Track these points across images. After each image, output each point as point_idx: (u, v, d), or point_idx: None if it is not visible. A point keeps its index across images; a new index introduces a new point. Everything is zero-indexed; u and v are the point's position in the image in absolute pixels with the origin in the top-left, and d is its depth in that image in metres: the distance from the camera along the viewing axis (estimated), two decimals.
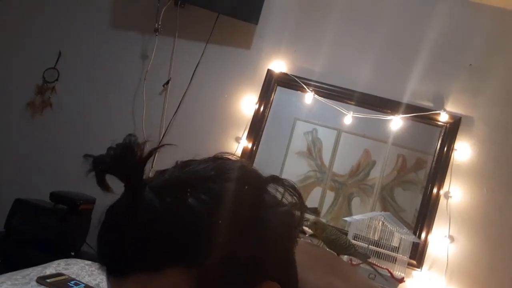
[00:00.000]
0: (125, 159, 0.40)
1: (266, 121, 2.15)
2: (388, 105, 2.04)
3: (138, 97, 2.27)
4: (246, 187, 0.39)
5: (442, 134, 2.00)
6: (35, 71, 2.34)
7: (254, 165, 0.45)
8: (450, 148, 1.97)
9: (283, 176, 0.44)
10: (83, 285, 1.05)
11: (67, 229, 1.95)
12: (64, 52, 2.36)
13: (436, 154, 1.99)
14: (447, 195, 1.94)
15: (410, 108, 2.01)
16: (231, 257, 0.36)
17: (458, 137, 1.98)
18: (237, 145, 2.15)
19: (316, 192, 2.09)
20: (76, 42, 2.38)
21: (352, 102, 2.07)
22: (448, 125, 2.00)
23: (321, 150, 2.14)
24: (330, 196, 2.08)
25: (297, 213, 0.41)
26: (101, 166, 0.41)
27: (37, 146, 2.31)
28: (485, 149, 1.97)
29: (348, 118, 2.06)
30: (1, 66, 2.42)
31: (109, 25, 2.37)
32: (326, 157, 2.12)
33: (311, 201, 2.08)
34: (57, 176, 2.23)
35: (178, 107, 2.20)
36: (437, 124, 2.01)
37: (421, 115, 2.00)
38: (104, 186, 0.41)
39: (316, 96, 2.08)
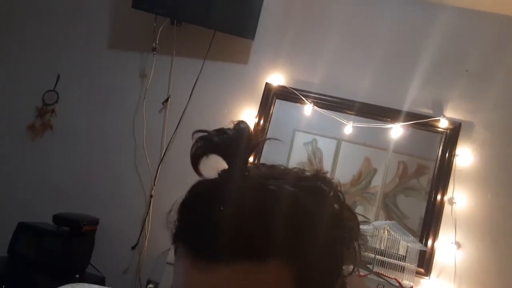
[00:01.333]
0: (238, 142, 0.39)
1: (266, 134, 2.15)
2: (388, 114, 2.05)
3: (138, 116, 2.28)
4: (333, 190, 0.41)
5: (443, 140, 2.01)
6: (35, 93, 2.35)
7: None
8: (452, 154, 1.98)
9: None
10: None
11: (71, 251, 1.94)
12: (62, 74, 2.38)
13: (438, 161, 2.00)
14: (451, 201, 1.94)
15: (410, 116, 2.02)
16: (327, 254, 0.37)
17: (459, 142, 1.99)
18: None
19: None
20: (74, 63, 2.40)
21: (351, 112, 2.08)
22: (448, 131, 2.00)
23: (321, 160, 2.15)
24: None
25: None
26: (209, 145, 0.40)
27: (38, 168, 2.31)
28: (487, 153, 1.97)
29: (348, 128, 2.07)
30: (0, 90, 2.44)
31: (107, 45, 2.40)
32: (327, 166, 2.12)
33: None
34: (60, 197, 2.23)
35: (178, 124, 2.21)
36: (437, 130, 2.02)
37: (421, 122, 2.01)
38: (197, 166, 0.41)
39: (315, 107, 2.09)
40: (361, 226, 0.41)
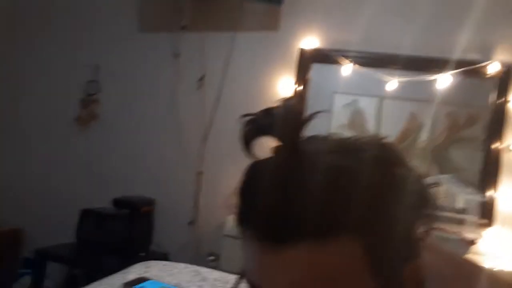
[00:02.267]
0: (288, 120, 0.38)
1: (305, 100, 2.12)
2: (434, 64, 1.95)
3: (176, 96, 2.31)
4: (395, 156, 0.38)
5: (495, 85, 1.90)
6: (77, 85, 2.43)
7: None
8: (505, 99, 1.87)
9: None
10: None
11: (133, 232, 2.05)
12: (100, 63, 2.43)
13: (491, 108, 1.90)
14: (508, 149, 1.85)
15: (458, 64, 1.90)
16: (398, 225, 0.36)
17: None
18: None
19: None
20: (109, 51, 2.44)
21: (395, 67, 1.99)
22: (499, 75, 1.89)
23: (364, 120, 2.10)
24: None
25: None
26: (259, 127, 0.39)
27: (90, 157, 2.42)
28: None
29: (392, 83, 2.00)
30: (44, 83, 2.53)
31: (138, 29, 2.41)
32: (370, 127, 2.07)
33: None
34: (114, 182, 2.33)
35: (218, 99, 2.22)
36: (488, 76, 1.91)
37: (470, 69, 1.90)
38: (249, 150, 0.40)
39: (355, 66, 2.02)
40: (430, 190, 0.40)
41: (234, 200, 0.40)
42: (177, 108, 2.30)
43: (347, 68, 2.04)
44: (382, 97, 2.06)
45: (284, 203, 0.34)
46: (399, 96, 2.04)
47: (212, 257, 2.10)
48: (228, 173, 2.17)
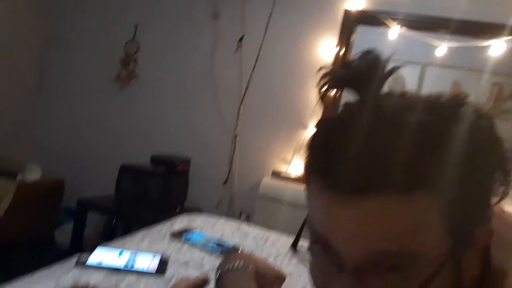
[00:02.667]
0: (367, 73, 0.37)
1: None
2: (488, 29, 1.84)
3: (215, 57, 2.29)
4: (477, 116, 0.37)
5: None
6: (117, 45, 2.45)
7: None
8: None
9: None
10: (228, 244, 1.13)
11: (169, 188, 2.11)
12: (139, 23, 2.43)
13: None
14: None
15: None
16: (476, 186, 0.35)
17: None
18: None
19: None
20: (148, 11, 2.43)
21: (445, 31, 1.89)
22: None
23: (403, 88, 2.02)
24: None
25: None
26: (337, 79, 0.39)
27: (130, 115, 2.47)
28: None
29: (441, 49, 1.91)
30: (85, 43, 2.57)
31: None
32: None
33: None
34: (152, 140, 2.39)
35: (256, 61, 2.19)
36: None
37: None
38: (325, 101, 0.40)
39: (402, 29, 1.93)
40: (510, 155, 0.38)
41: (303, 153, 0.40)
42: (216, 70, 2.29)
43: (394, 31, 1.95)
44: (426, 63, 1.98)
45: (369, 156, 0.34)
46: (444, 63, 1.96)
47: (243, 216, 2.15)
48: (262, 135, 2.18)
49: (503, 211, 0.46)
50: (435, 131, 0.34)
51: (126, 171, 2.14)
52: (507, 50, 1.83)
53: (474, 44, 1.86)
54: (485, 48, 1.85)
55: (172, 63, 2.38)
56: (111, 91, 2.48)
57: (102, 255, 0.83)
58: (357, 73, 0.38)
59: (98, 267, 0.79)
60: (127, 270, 0.80)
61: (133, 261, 0.84)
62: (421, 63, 1.99)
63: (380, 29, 1.99)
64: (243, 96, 2.22)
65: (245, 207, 2.18)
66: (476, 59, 1.89)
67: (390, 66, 0.38)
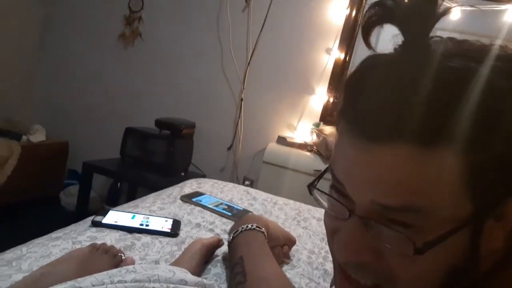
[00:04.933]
0: (419, 10, 0.34)
1: (359, 27, 2.00)
2: None
3: (221, 17, 2.22)
4: None
5: None
6: (121, 1, 2.36)
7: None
8: None
9: None
10: (238, 207, 1.14)
11: (174, 152, 2.10)
12: None
13: None
14: None
15: None
16: (507, 157, 0.32)
17: None
18: (328, 57, 2.06)
19: None
20: None
21: None
22: None
23: None
24: None
25: None
26: (385, 12, 0.36)
27: (133, 76, 2.42)
28: None
29: (454, 13, 1.84)
30: (89, 1, 2.47)
31: None
32: None
33: None
34: (156, 104, 2.36)
35: (264, 22, 2.12)
36: None
37: None
38: (368, 37, 0.37)
39: None
40: None
41: (341, 92, 0.38)
42: (222, 32, 2.22)
43: None
44: (436, 28, 1.91)
45: (395, 103, 0.32)
46: (455, 28, 1.89)
47: (247, 182, 2.16)
48: (268, 100, 2.15)
49: None
50: (475, 83, 0.31)
51: (130, 133, 2.12)
52: None
53: (489, 8, 1.79)
54: (501, 12, 1.79)
55: (177, 23, 2.31)
56: (115, 50, 2.42)
57: (116, 217, 0.84)
58: (406, 8, 0.35)
59: (114, 227, 0.79)
60: (142, 230, 0.80)
61: (147, 222, 0.84)
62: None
63: None
64: (250, 59, 2.17)
65: (249, 173, 2.19)
66: (490, 25, 1.83)
67: (443, 6, 0.34)
